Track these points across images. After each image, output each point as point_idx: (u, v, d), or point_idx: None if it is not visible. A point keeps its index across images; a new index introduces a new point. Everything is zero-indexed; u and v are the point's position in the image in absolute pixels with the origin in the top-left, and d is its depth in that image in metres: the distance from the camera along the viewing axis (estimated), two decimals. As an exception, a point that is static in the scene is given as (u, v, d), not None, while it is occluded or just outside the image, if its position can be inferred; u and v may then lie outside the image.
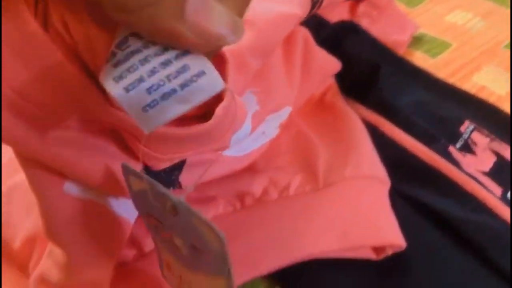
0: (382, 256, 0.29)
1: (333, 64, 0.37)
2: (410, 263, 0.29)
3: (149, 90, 0.14)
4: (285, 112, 0.33)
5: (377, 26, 0.47)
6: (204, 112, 0.20)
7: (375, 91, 0.36)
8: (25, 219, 0.28)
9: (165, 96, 0.14)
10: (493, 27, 0.53)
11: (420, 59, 0.47)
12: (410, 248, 0.29)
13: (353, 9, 0.45)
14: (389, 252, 0.29)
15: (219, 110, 0.19)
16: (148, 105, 0.14)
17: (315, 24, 0.38)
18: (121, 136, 0.21)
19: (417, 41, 0.50)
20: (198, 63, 0.15)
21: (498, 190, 0.33)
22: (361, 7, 0.45)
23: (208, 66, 0.15)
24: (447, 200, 0.32)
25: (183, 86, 0.15)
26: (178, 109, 0.15)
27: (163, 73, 0.14)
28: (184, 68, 0.15)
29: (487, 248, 0.30)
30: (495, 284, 0.29)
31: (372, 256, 0.29)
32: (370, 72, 0.37)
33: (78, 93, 0.17)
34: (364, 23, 0.48)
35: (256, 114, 0.30)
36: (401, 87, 0.39)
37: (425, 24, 0.53)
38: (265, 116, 0.31)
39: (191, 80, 0.15)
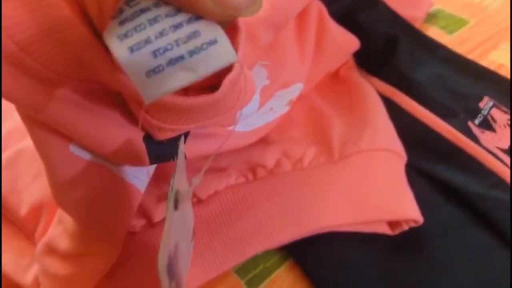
0: (398, 231, 0.29)
1: (351, 42, 0.36)
2: (427, 238, 0.29)
3: (155, 53, 0.13)
4: (296, 89, 0.32)
5: (391, 1, 0.46)
6: (211, 84, 0.19)
7: (392, 64, 0.35)
8: (31, 185, 0.27)
9: (171, 62, 0.13)
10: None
11: (436, 35, 0.46)
12: (426, 223, 0.28)
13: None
14: (405, 227, 0.28)
15: (226, 81, 0.18)
16: (152, 70, 0.13)
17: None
18: (125, 102, 0.20)
19: (433, 17, 0.48)
20: (210, 31, 0.14)
21: (517, 168, 0.32)
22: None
23: (221, 34, 0.14)
24: (465, 176, 0.31)
25: (192, 53, 0.13)
26: (183, 78, 0.14)
27: (172, 36, 0.13)
28: (195, 34, 0.13)
29: (505, 224, 0.29)
30: (513, 261, 0.28)
31: (387, 231, 0.29)
32: (387, 45, 0.36)
33: (84, 53, 0.16)
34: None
35: (265, 89, 0.29)
36: (419, 61, 0.37)
37: (442, 0, 0.51)
38: (274, 91, 0.30)
39: (201, 48, 0.13)
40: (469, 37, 0.46)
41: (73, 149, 0.22)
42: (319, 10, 0.33)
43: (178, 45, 0.13)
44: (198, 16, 0.13)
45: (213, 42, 0.14)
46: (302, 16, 0.32)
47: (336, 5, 0.38)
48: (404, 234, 0.29)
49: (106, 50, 0.16)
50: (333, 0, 0.38)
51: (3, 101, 0.18)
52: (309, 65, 0.33)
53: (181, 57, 0.13)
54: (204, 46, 0.13)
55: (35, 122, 0.20)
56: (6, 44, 0.15)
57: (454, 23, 0.48)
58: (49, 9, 0.15)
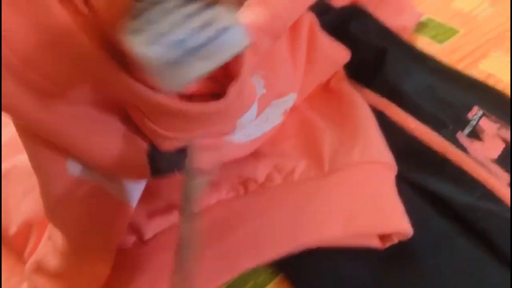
0: (388, 244, 0.29)
1: (342, 54, 0.36)
2: (416, 251, 0.29)
3: (172, 44, 0.13)
4: (290, 99, 0.32)
5: (380, 12, 0.46)
6: (214, 91, 0.19)
7: (381, 75, 0.35)
8: (20, 203, 0.27)
9: (188, 52, 0.14)
10: (501, 13, 0.52)
11: (427, 44, 0.46)
12: (416, 235, 0.28)
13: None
14: (395, 239, 0.29)
15: (232, 89, 0.18)
16: (172, 60, 0.14)
17: (319, 8, 0.37)
18: (128, 114, 0.20)
19: (423, 26, 0.48)
20: (224, 17, 0.14)
21: (505, 178, 0.32)
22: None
23: (232, 21, 0.14)
24: (455, 187, 0.31)
25: (207, 42, 0.14)
26: (201, 67, 0.14)
27: (187, 26, 0.14)
28: (209, 22, 0.14)
29: (494, 235, 0.29)
30: (502, 271, 0.28)
31: (377, 244, 0.29)
32: (377, 56, 0.36)
33: (90, 64, 0.16)
34: (368, 8, 0.47)
35: (262, 98, 0.29)
36: (409, 72, 0.38)
37: (432, 10, 0.52)
38: (270, 100, 0.30)
39: (215, 37, 0.14)
40: (459, 47, 0.46)
41: (71, 165, 0.22)
42: (310, 21, 0.33)
43: (194, 34, 0.14)
44: (209, 3, 0.14)
45: (226, 29, 0.14)
46: (294, 27, 0.32)
47: (326, 16, 0.38)
48: (394, 246, 0.29)
49: (117, 60, 0.16)
50: (323, 11, 0.38)
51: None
52: (301, 76, 0.33)
53: (197, 47, 0.14)
54: (218, 34, 0.14)
55: (33, 136, 0.20)
56: (9, 59, 0.15)
57: (444, 33, 0.48)
58: (50, 21, 0.15)
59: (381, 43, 0.37)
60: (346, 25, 0.38)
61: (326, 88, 0.38)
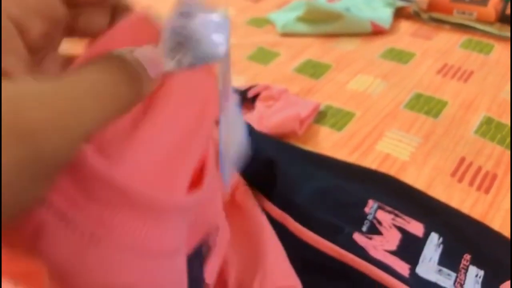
0: None
1: None
2: None
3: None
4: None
5: (274, 108, 0.50)
6: None
7: (277, 188, 0.38)
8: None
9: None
10: (393, 87, 0.56)
11: (327, 134, 0.49)
12: None
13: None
14: None
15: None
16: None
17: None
18: None
19: (323, 115, 0.52)
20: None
21: (405, 269, 0.34)
22: (258, 102, 0.47)
23: None
24: (358, 293, 0.32)
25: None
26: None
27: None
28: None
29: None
30: None
31: None
32: (268, 170, 0.38)
33: None
34: (263, 108, 0.50)
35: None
36: (305, 176, 0.40)
37: (330, 95, 0.56)
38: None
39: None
40: (357, 130, 0.50)
41: None
42: None
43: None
44: None
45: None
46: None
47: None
48: None
49: None
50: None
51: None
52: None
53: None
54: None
55: None
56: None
57: (342, 118, 0.52)
58: None
59: (270, 155, 0.39)
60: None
61: (231, 202, 0.39)
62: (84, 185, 0.16)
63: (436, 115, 0.51)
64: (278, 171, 0.38)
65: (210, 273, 0.25)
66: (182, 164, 0.19)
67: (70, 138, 0.13)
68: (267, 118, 0.49)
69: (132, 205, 0.17)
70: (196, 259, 0.25)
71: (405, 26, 0.71)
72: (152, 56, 0.17)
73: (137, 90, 0.16)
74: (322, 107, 0.53)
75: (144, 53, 0.17)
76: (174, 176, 0.19)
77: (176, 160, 0.19)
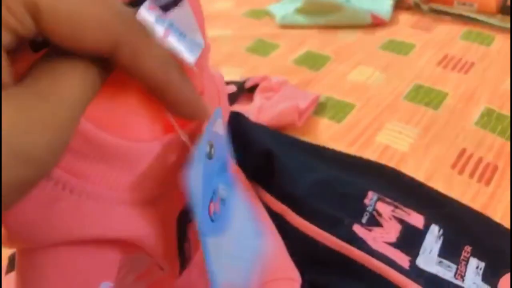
0: None
1: None
2: None
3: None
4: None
5: (273, 100, 0.49)
6: None
7: (274, 180, 0.37)
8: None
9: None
10: (393, 78, 0.56)
11: (327, 126, 0.49)
12: None
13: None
14: None
15: None
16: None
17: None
18: None
19: (323, 107, 0.52)
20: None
21: (405, 260, 0.34)
22: (257, 93, 0.47)
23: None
24: (355, 284, 0.32)
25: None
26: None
27: None
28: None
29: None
30: None
31: None
32: (266, 161, 0.38)
33: None
34: (262, 99, 0.50)
35: None
36: (304, 168, 0.40)
37: (330, 86, 0.55)
38: None
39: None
40: (357, 122, 0.49)
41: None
42: None
43: None
44: None
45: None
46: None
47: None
48: None
49: None
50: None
51: None
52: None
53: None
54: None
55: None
56: None
57: (342, 110, 0.51)
58: None
59: (268, 147, 0.39)
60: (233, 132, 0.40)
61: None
62: None
63: (436, 106, 0.50)
64: (277, 162, 0.37)
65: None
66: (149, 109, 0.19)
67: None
68: (266, 110, 0.48)
69: (103, 153, 0.17)
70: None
71: (405, 17, 0.70)
72: None
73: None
74: (321, 99, 0.52)
75: None
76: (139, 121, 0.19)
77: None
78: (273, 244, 0.33)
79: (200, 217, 0.19)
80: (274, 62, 0.62)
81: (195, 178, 0.19)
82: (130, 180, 0.19)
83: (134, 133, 0.18)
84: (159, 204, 0.21)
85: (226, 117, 0.27)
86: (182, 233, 0.25)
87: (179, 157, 0.20)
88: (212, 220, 0.20)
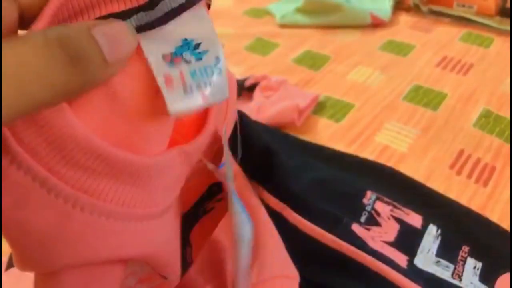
0: None
1: None
2: None
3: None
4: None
5: (273, 99, 0.49)
6: None
7: (273, 178, 0.37)
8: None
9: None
10: (392, 79, 0.56)
11: (326, 125, 0.49)
12: None
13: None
14: None
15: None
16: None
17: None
18: None
19: (322, 106, 0.52)
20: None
21: (403, 260, 0.34)
22: (256, 92, 0.47)
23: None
24: (353, 283, 0.32)
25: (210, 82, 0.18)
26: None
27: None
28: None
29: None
30: None
31: None
32: (265, 158, 0.38)
33: None
34: (262, 98, 0.50)
35: None
36: (303, 167, 0.40)
37: (329, 86, 0.55)
38: None
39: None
40: (356, 122, 0.49)
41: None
42: None
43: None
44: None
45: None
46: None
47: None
48: None
49: None
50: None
51: None
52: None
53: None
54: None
55: None
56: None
57: (341, 109, 0.51)
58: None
59: (268, 145, 0.39)
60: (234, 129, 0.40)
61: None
62: (62, 151, 0.16)
63: (435, 107, 0.50)
64: (277, 161, 0.37)
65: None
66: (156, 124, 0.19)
67: None
68: (266, 109, 0.48)
69: (114, 169, 0.17)
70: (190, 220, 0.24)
71: (405, 18, 0.70)
72: (113, 33, 0.15)
73: (82, 75, 0.14)
74: (321, 98, 0.52)
75: (103, 29, 0.14)
76: (146, 137, 0.18)
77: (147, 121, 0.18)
78: (271, 242, 0.33)
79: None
80: (273, 61, 0.62)
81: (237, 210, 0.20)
82: (142, 195, 0.18)
83: (144, 148, 0.18)
84: (170, 213, 0.21)
85: (234, 116, 0.27)
86: (185, 238, 0.26)
87: (186, 166, 0.20)
88: None
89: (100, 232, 0.17)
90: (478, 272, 0.34)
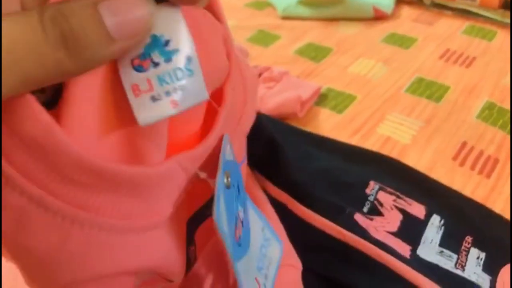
0: None
1: None
2: None
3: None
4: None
5: (275, 90, 0.49)
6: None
7: (277, 168, 0.37)
8: None
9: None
10: (395, 71, 0.56)
11: (328, 116, 0.49)
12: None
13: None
14: None
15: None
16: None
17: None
18: None
19: (324, 98, 0.51)
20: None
21: (406, 250, 0.34)
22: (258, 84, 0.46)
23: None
24: (357, 272, 0.32)
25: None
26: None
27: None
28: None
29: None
30: None
31: None
32: (269, 149, 0.37)
33: None
34: (264, 89, 0.49)
35: None
36: (305, 157, 0.40)
37: (331, 78, 0.55)
38: None
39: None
40: (358, 113, 0.49)
41: None
42: None
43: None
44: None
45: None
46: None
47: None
48: None
49: None
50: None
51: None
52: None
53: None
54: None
55: None
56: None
57: (343, 101, 0.51)
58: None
59: (272, 136, 0.38)
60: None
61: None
62: (55, 168, 0.15)
63: (438, 99, 0.50)
64: (280, 151, 0.37)
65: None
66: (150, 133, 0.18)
67: None
68: (268, 100, 0.48)
69: (111, 183, 0.16)
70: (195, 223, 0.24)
71: (407, 11, 0.70)
72: (121, 4, 0.13)
73: (77, 55, 0.13)
74: (323, 90, 0.52)
75: (109, 2, 0.13)
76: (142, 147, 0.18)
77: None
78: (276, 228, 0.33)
79: (231, 247, 0.19)
80: (275, 53, 0.61)
81: (220, 214, 0.18)
82: (142, 206, 0.18)
83: (141, 158, 0.18)
84: (173, 219, 0.20)
85: (252, 115, 0.26)
86: (190, 238, 0.25)
87: (190, 172, 0.20)
88: (239, 245, 0.20)
89: (102, 247, 0.17)
90: (481, 263, 0.33)
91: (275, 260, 0.23)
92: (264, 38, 0.65)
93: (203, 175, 0.19)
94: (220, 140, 0.21)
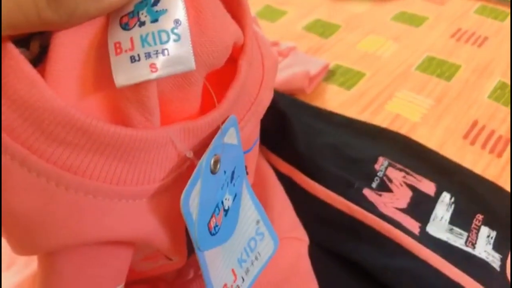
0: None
1: None
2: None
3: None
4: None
5: (283, 65, 0.48)
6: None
7: (284, 141, 0.36)
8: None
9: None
10: (405, 49, 0.54)
11: (336, 92, 0.48)
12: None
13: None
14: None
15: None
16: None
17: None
18: None
19: (332, 74, 0.50)
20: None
21: (416, 226, 0.33)
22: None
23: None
24: (367, 247, 0.31)
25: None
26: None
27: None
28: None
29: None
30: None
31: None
32: (277, 122, 0.36)
33: None
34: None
35: None
36: (313, 132, 0.39)
37: (339, 54, 0.54)
38: None
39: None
40: (367, 90, 0.48)
41: None
42: None
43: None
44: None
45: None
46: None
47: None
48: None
49: None
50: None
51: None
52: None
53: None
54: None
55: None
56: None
57: (351, 78, 0.50)
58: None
59: (282, 109, 0.37)
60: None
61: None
62: (40, 126, 0.14)
63: (448, 78, 0.49)
64: (287, 124, 0.36)
65: None
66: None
67: None
68: (275, 73, 0.47)
69: (100, 144, 0.15)
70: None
71: (418, -10, 0.68)
72: None
73: (58, 7, 0.13)
74: (331, 66, 0.51)
75: None
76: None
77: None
78: (279, 204, 0.32)
79: (196, 235, 0.18)
80: (282, 28, 0.60)
81: (189, 198, 0.17)
82: (132, 171, 0.17)
83: (138, 120, 0.16)
84: (167, 194, 0.19)
85: (269, 97, 0.24)
86: None
87: (188, 145, 0.18)
88: (213, 234, 0.19)
89: (87, 212, 0.16)
90: (492, 241, 0.33)
91: (265, 257, 0.22)
92: (271, 13, 0.63)
93: (189, 154, 0.18)
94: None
